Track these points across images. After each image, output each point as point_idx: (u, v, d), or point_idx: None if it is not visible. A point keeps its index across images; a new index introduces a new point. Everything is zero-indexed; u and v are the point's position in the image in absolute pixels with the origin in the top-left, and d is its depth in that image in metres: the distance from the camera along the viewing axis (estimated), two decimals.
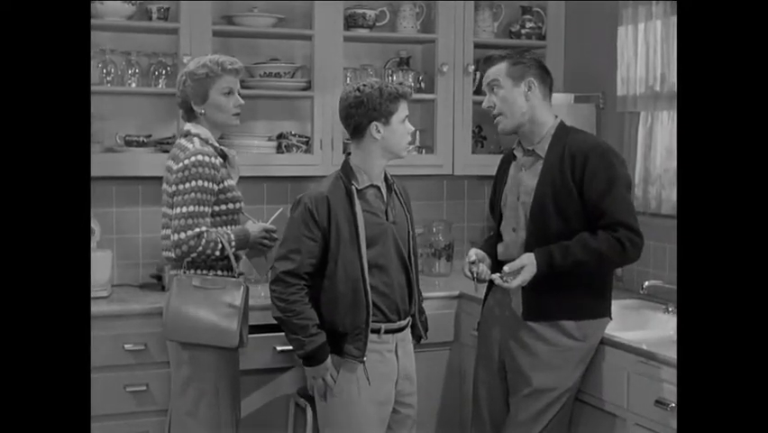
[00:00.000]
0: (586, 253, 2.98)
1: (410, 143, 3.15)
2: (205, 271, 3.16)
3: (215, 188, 3.11)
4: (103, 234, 3.91)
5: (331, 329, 3.04)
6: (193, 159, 3.08)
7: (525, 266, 2.98)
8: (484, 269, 3.15)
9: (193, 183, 3.06)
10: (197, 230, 3.06)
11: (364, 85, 3.07)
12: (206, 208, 3.09)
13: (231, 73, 3.20)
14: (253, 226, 3.26)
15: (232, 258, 3.12)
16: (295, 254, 3.02)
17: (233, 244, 3.14)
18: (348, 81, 4.22)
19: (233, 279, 3.14)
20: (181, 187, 3.07)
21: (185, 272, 3.14)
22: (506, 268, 3.00)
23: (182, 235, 3.05)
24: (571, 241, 3.00)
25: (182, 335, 3.12)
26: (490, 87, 3.16)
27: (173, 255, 3.14)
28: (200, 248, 3.06)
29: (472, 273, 3.14)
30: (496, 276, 3.03)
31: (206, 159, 3.09)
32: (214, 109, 3.19)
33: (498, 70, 3.14)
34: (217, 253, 3.10)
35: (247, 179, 3.63)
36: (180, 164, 3.08)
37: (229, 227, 3.18)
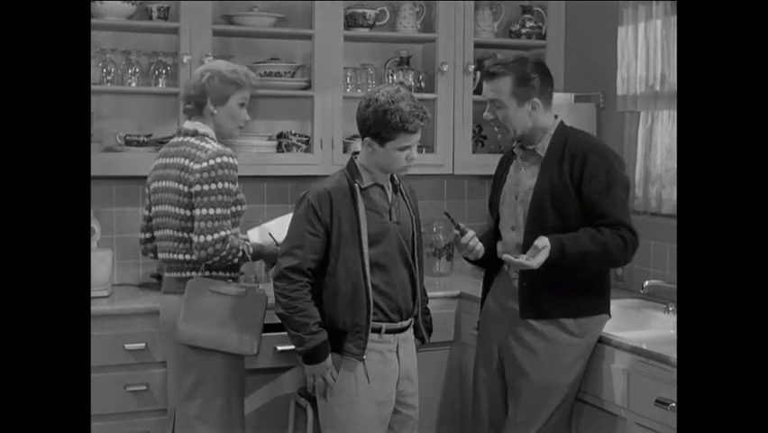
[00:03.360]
0: (594, 245, 2.97)
1: (405, 168, 3.08)
2: (215, 273, 3.15)
3: (234, 189, 3.11)
4: (103, 234, 3.91)
5: (331, 326, 3.04)
6: (219, 160, 3.06)
7: (545, 247, 2.93)
8: (479, 247, 3.08)
9: (219, 185, 3.05)
10: (222, 233, 3.05)
11: (377, 99, 2.98)
12: (228, 210, 3.09)
13: (251, 89, 3.22)
14: (273, 246, 3.27)
15: (251, 265, 3.13)
16: (298, 250, 3.02)
17: (251, 252, 3.15)
18: (348, 81, 4.23)
19: (254, 286, 3.15)
20: (206, 187, 3.05)
21: (201, 275, 3.13)
22: (523, 257, 2.93)
23: (208, 238, 3.03)
24: (578, 232, 2.99)
25: (198, 340, 3.09)
26: (493, 104, 3.14)
27: (182, 257, 3.13)
28: (224, 252, 3.05)
29: (461, 238, 3.07)
30: (508, 256, 2.97)
31: (230, 160, 3.08)
32: (227, 115, 3.19)
33: (502, 89, 3.09)
34: (236, 260, 3.11)
35: (247, 179, 3.62)
36: (205, 164, 3.06)
37: (234, 230, 3.19)
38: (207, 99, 3.17)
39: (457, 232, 3.09)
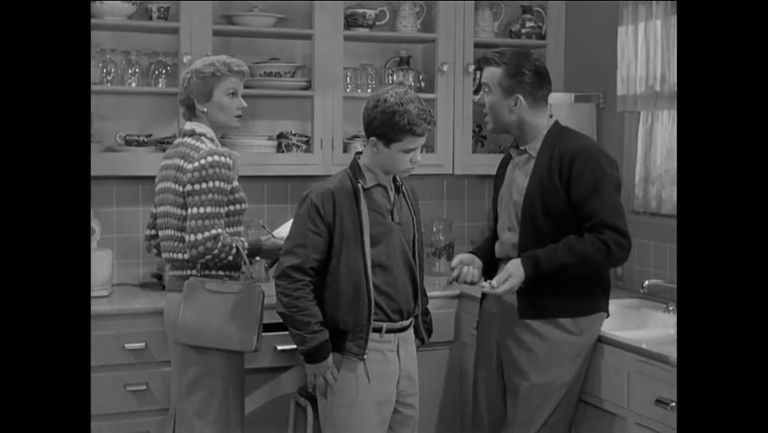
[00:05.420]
0: (572, 256, 2.99)
1: (409, 170, 3.08)
2: (214, 272, 3.16)
3: (228, 188, 3.11)
4: (103, 234, 3.91)
5: (332, 326, 3.04)
6: (210, 159, 3.07)
7: (512, 274, 2.99)
8: (470, 271, 3.17)
9: (210, 184, 3.06)
10: (214, 232, 3.05)
11: (386, 100, 2.98)
12: (222, 209, 3.10)
13: (237, 75, 3.20)
14: (270, 240, 3.27)
15: (247, 263, 3.13)
16: (300, 249, 3.02)
17: (246, 249, 3.14)
18: (348, 81, 4.23)
19: (250, 283, 3.15)
20: (197, 187, 3.06)
21: (198, 275, 3.14)
22: (493, 282, 3.01)
23: (198, 237, 3.04)
24: (557, 244, 3.01)
25: (197, 339, 3.10)
26: (483, 89, 3.18)
27: (181, 256, 3.14)
28: (216, 250, 3.06)
29: (453, 277, 3.18)
30: (485, 284, 3.04)
31: (222, 159, 3.09)
32: (217, 109, 3.19)
33: (492, 76, 3.13)
34: (230, 257, 3.10)
35: (247, 179, 3.63)
36: (196, 164, 3.07)
37: (235, 228, 3.19)
38: (194, 100, 3.18)
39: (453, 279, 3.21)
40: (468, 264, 3.18)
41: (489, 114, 3.18)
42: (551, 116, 3.19)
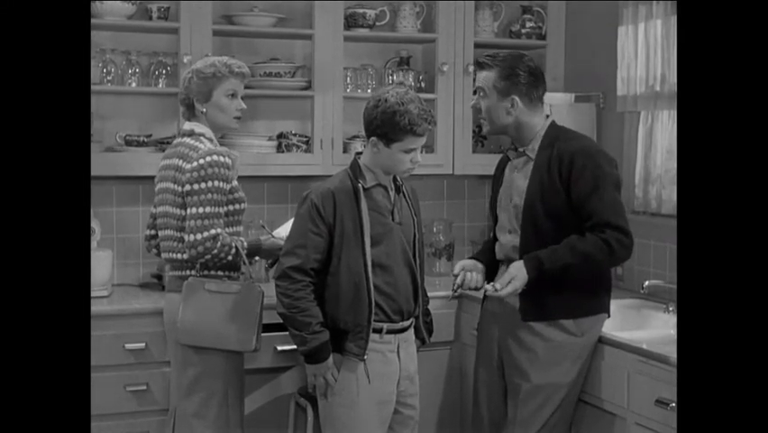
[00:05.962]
0: (574, 256, 2.99)
1: (410, 170, 3.08)
2: (213, 272, 3.16)
3: (227, 187, 3.11)
4: (103, 234, 3.91)
5: (333, 326, 3.04)
6: (208, 159, 3.07)
7: (515, 276, 2.99)
8: (473, 276, 3.18)
9: (209, 183, 3.06)
10: (213, 231, 3.05)
11: (386, 100, 2.98)
12: (221, 209, 3.10)
13: (237, 76, 3.20)
14: (270, 240, 3.27)
15: (246, 263, 3.13)
16: (300, 249, 3.01)
17: (245, 249, 3.14)
18: (348, 81, 4.23)
19: (249, 283, 3.15)
20: (196, 186, 3.06)
21: (197, 275, 3.14)
22: (497, 285, 3.01)
23: (198, 236, 3.04)
24: (559, 245, 3.01)
25: (197, 340, 3.10)
26: (478, 92, 3.18)
27: (181, 257, 3.14)
28: (215, 250, 3.06)
29: (453, 288, 3.19)
30: (489, 287, 3.04)
31: (221, 159, 3.09)
32: (216, 110, 3.19)
33: (487, 79, 3.13)
34: (230, 257, 3.10)
35: (247, 179, 3.63)
36: (195, 163, 3.07)
37: (235, 228, 3.19)
38: (193, 99, 3.18)
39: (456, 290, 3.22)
40: (470, 270, 3.19)
41: (485, 117, 3.17)
42: (547, 116, 3.19)
